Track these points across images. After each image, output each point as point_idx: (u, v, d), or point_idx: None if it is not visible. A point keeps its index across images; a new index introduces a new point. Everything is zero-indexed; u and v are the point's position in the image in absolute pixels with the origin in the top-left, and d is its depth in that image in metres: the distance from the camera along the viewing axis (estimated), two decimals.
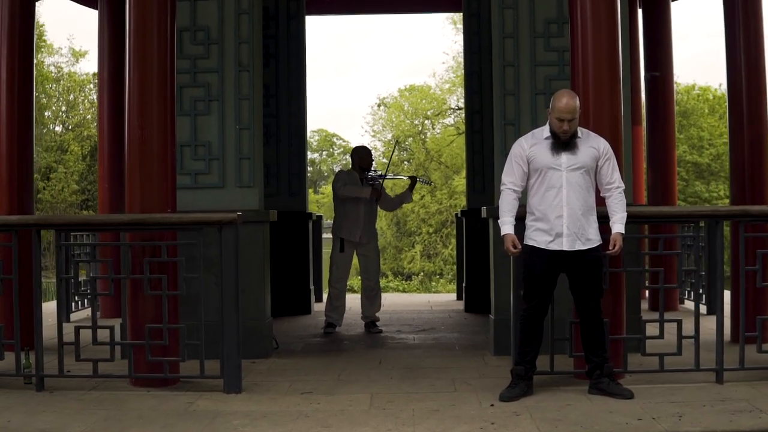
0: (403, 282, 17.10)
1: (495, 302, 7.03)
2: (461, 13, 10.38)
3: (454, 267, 28.93)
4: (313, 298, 10.08)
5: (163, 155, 5.87)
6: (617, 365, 5.52)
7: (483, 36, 9.82)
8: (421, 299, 11.73)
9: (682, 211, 6.54)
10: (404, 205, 8.93)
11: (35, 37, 8.02)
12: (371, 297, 8.36)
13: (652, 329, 5.72)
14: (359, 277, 8.76)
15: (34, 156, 8.09)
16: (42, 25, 28.43)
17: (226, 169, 6.87)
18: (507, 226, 5.40)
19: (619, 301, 5.70)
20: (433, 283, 17.09)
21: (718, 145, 31.53)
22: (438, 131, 36.15)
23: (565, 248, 5.33)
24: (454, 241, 31.90)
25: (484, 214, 7.29)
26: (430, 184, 9.73)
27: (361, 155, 8.41)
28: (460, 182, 31.19)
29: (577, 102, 5.34)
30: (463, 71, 10.19)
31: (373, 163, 8.56)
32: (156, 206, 5.85)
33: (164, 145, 5.88)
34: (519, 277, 5.65)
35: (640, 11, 10.25)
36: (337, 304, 8.25)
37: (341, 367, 6.43)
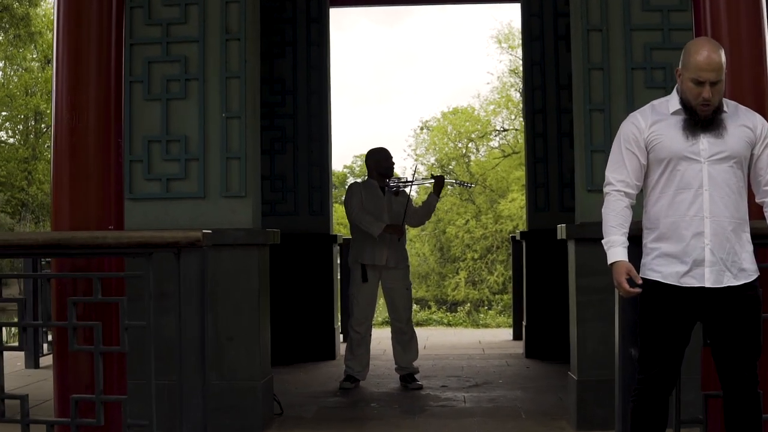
0: (448, 314, 14.95)
1: (578, 356, 4.96)
2: None
3: (502, 296, 27.15)
4: (339, 339, 8.05)
5: (102, 150, 3.98)
6: None
7: (546, 17, 7.82)
8: (470, 338, 9.63)
9: None
10: (433, 212, 6.74)
11: None
12: (404, 342, 6.32)
13: None
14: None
15: None
16: None
17: (208, 173, 4.93)
18: (617, 249, 3.36)
19: None
20: (481, 315, 14.92)
21: None
22: (482, 154, 34.31)
23: (708, 285, 3.29)
24: (500, 267, 30.08)
25: (561, 234, 5.24)
26: (470, 186, 7.39)
27: (377, 159, 6.42)
28: (506, 206, 29.32)
29: (723, 56, 3.32)
30: (521, 64, 8.16)
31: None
32: (92, 221, 3.96)
33: (105, 135, 3.99)
34: (627, 326, 3.63)
35: None
36: (359, 352, 6.23)
37: None
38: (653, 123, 3.39)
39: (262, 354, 5.00)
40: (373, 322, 6.49)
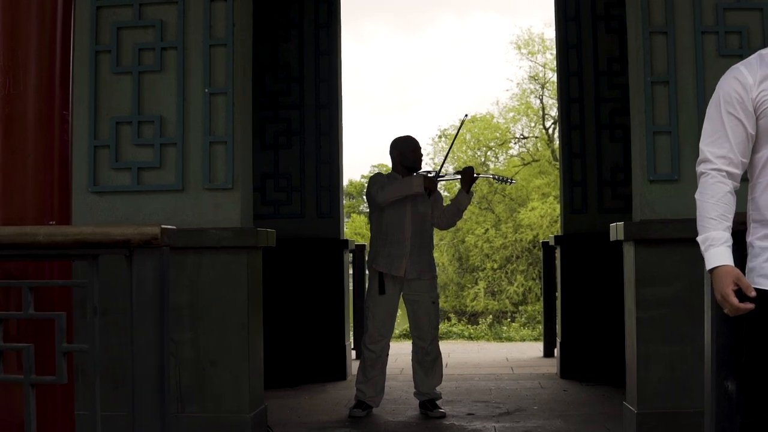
0: (469, 326, 14.01)
1: (638, 384, 4.01)
2: None
3: (526, 308, 26.14)
4: (350, 356, 7.13)
5: (44, 124, 3.11)
6: None
7: None
8: (495, 354, 8.67)
9: None
10: (463, 212, 5.49)
11: None
12: (427, 365, 5.33)
13: None
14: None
15: None
16: None
17: (187, 161, 4.05)
18: (719, 250, 2.42)
19: None
20: (504, 328, 13.95)
21: None
22: (502, 162, 33.44)
23: None
24: (520, 278, 29.09)
25: (616, 235, 4.30)
26: (510, 182, 6.12)
27: (402, 150, 5.40)
28: (526, 215, 28.46)
29: None
30: (555, 46, 7.21)
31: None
32: (29, 214, 3.08)
33: (48, 105, 3.11)
34: (723, 352, 2.72)
35: None
36: (372, 374, 5.26)
37: None
38: (764, 79, 2.47)
39: (253, 380, 4.08)
40: (390, 340, 5.50)
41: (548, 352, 8.09)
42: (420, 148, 5.47)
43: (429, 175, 5.30)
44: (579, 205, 6.91)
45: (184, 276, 3.96)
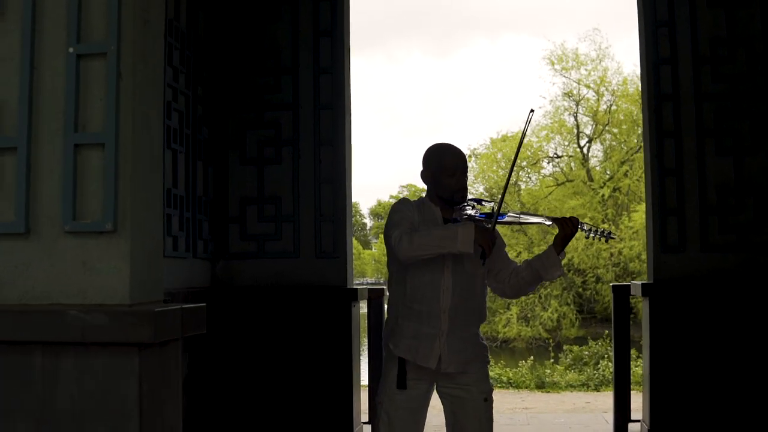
0: (507, 369, 11.99)
1: None
2: None
3: (561, 336, 24.02)
4: None
5: None
6: None
7: None
8: (551, 424, 6.63)
9: None
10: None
11: None
12: None
13: None
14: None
15: None
16: None
17: (36, 180, 2.14)
18: None
19: None
20: (547, 371, 11.90)
21: None
22: (534, 182, 31.49)
23: None
24: (554, 303, 27.07)
25: None
26: (612, 237, 3.96)
27: (435, 168, 3.28)
28: None
29: None
30: (636, 28, 5.20)
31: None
32: None
33: None
34: None
35: None
36: None
37: None
38: None
39: None
40: None
41: (620, 427, 6.05)
42: (464, 166, 3.30)
43: (481, 217, 3.19)
44: (674, 240, 4.90)
45: (30, 396, 2.05)
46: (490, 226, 3.14)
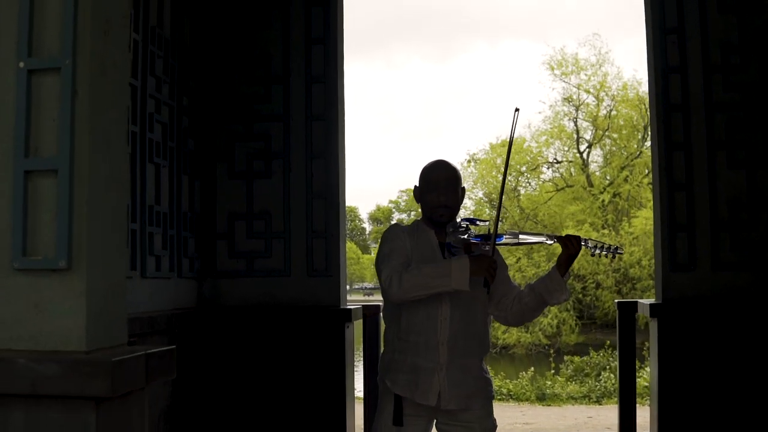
0: (508, 381, 11.74)
1: None
2: None
3: (560, 343, 23.76)
4: None
5: None
6: None
7: None
8: None
9: None
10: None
11: None
12: None
13: None
14: None
15: None
16: None
17: None
18: None
19: None
20: (548, 382, 11.64)
21: None
22: (533, 188, 31.23)
23: None
24: (554, 309, 26.80)
25: None
26: (620, 253, 3.77)
27: (422, 187, 3.11)
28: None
29: None
30: (644, 34, 4.96)
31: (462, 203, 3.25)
32: None
33: None
34: None
35: None
36: None
37: None
38: None
39: None
40: None
41: None
42: (449, 179, 3.08)
43: (476, 240, 2.95)
44: (684, 258, 4.66)
45: None
46: (487, 248, 2.89)
